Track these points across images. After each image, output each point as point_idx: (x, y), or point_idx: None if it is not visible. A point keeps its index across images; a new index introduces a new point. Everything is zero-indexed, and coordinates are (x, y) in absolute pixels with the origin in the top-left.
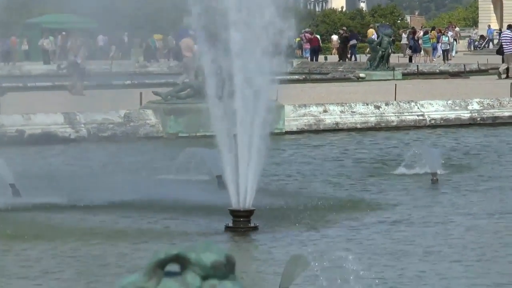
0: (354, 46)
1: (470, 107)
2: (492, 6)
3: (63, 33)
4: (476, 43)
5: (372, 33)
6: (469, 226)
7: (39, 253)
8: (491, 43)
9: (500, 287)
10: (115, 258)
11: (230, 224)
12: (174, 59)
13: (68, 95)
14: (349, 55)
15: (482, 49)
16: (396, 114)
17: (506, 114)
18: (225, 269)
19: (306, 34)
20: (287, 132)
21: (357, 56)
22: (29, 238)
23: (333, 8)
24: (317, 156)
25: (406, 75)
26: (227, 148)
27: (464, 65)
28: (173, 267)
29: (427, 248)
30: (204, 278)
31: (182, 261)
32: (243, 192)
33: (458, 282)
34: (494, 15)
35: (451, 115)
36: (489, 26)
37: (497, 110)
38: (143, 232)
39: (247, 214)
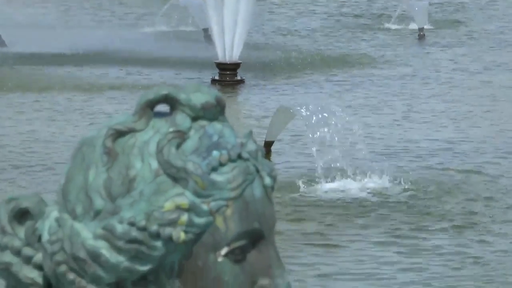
0: None
1: None
2: None
3: None
4: None
5: None
6: (454, 81)
7: (29, 103)
8: None
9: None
10: (100, 109)
11: (217, 77)
12: None
13: None
14: None
15: None
16: None
17: None
18: (215, 110)
19: None
20: None
21: None
22: (14, 89)
23: None
24: (304, 11)
25: None
26: (213, 1)
27: None
28: (163, 108)
29: (406, 102)
30: (194, 119)
31: (172, 102)
32: (229, 45)
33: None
34: None
35: None
36: None
37: None
38: (128, 85)
39: (234, 67)
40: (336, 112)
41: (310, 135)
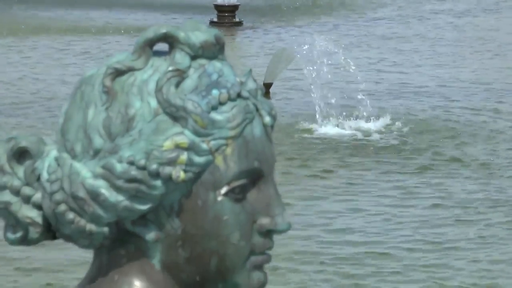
0: None
1: None
2: None
3: None
4: None
5: None
6: (443, 23)
7: (29, 47)
8: None
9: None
10: (99, 52)
11: (215, 19)
12: None
13: None
14: None
15: None
16: None
17: None
18: (215, 49)
19: None
20: None
21: None
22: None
23: None
24: None
25: None
26: None
27: None
28: (162, 46)
29: (402, 43)
30: (193, 57)
31: (171, 40)
32: None
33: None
34: None
35: None
36: None
37: None
38: (128, 29)
39: (232, 9)
40: (333, 53)
41: (308, 77)
